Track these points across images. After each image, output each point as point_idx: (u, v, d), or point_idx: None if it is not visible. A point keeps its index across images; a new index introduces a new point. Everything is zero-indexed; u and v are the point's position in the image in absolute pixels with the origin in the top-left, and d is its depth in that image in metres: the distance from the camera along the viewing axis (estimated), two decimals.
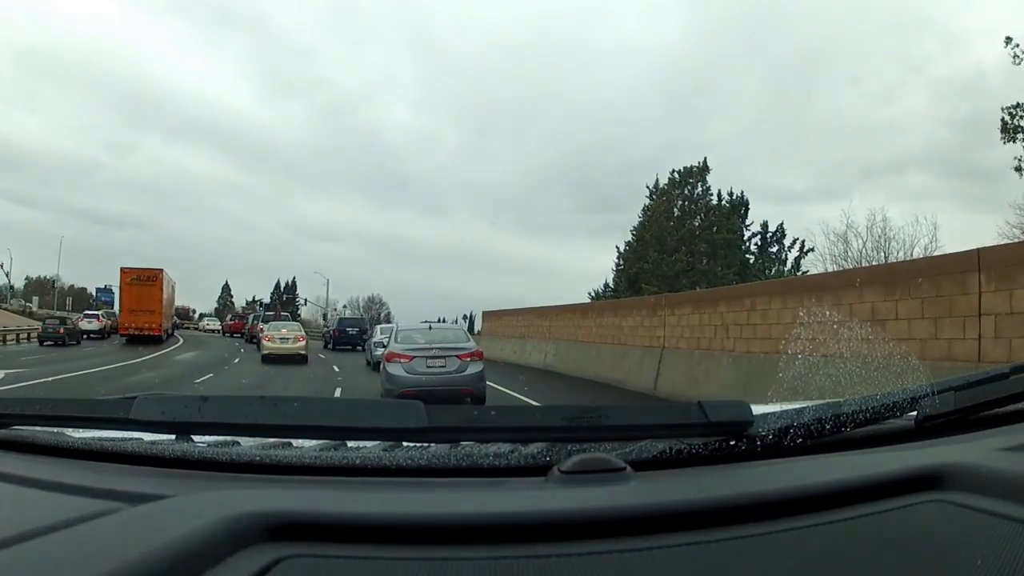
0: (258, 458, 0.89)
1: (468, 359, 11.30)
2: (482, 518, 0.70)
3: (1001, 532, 0.67)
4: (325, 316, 57.96)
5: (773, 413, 0.94)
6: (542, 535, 0.67)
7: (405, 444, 0.95)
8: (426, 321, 14.80)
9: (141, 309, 34.66)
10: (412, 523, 0.69)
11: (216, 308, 78.46)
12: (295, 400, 0.92)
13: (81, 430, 1.08)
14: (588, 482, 0.78)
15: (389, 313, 71.99)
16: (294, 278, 79.71)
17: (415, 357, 11.13)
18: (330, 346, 32.88)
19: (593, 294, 40.72)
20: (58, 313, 45.40)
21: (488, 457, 0.87)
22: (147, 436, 0.97)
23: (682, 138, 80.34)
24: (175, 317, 44.99)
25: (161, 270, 37.28)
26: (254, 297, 74.51)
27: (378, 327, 22.74)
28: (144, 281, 35.51)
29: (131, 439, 0.98)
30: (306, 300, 71.00)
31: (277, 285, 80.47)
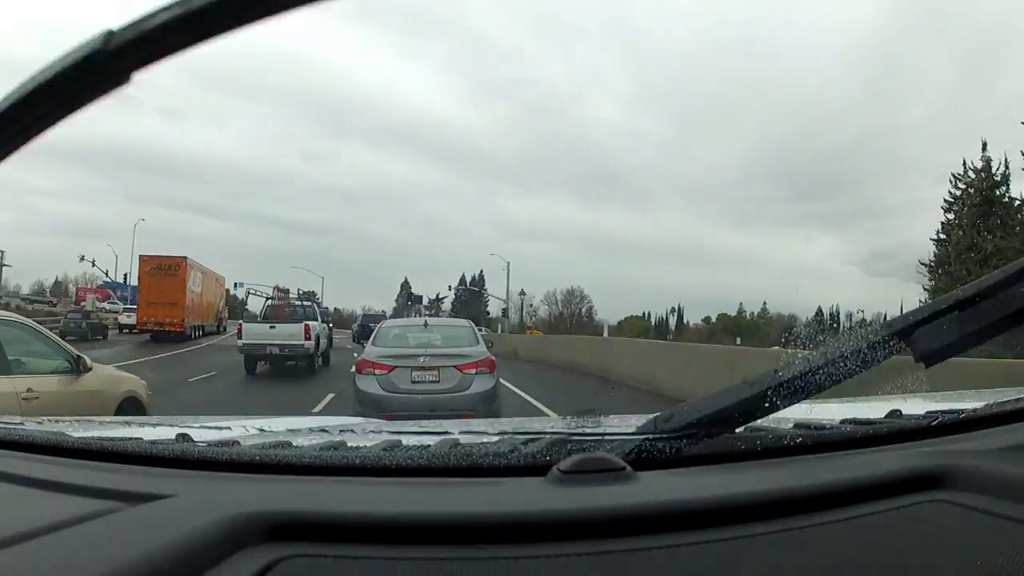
0: (258, 458, 0.89)
1: (473, 371, 7.74)
2: (481, 517, 0.70)
3: (1001, 532, 0.67)
4: (504, 311, 53.63)
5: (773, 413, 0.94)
6: (541, 535, 0.67)
7: (404, 444, 0.95)
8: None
9: (161, 302, 30.88)
10: (412, 522, 0.69)
11: (394, 308, 70.66)
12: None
13: (81, 430, 1.08)
14: (587, 482, 0.78)
15: (591, 307, 69.22)
16: (481, 271, 75.08)
17: (396, 367, 7.67)
18: (356, 341, 31.42)
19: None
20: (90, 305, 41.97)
21: (487, 456, 0.87)
22: (147, 436, 0.98)
23: (875, 122, 78.17)
24: (222, 314, 39.94)
25: (184, 258, 33.28)
26: (437, 295, 66.06)
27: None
28: (165, 271, 32.02)
29: (131, 438, 0.98)
30: (489, 294, 66.00)
31: (462, 279, 74.26)
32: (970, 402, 1.02)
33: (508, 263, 54.05)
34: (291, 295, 26.45)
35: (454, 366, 7.63)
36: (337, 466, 0.87)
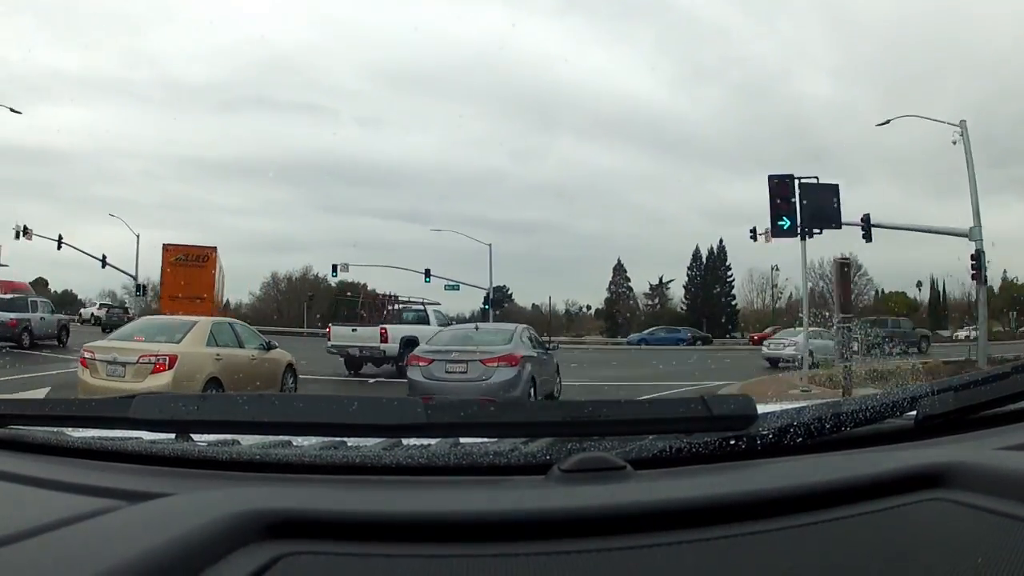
0: (258, 456, 0.89)
1: (495, 364, 9.86)
2: (482, 516, 0.70)
3: (1001, 530, 0.67)
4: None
5: (773, 412, 0.94)
6: (542, 533, 0.67)
7: (405, 443, 0.95)
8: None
9: (187, 296, 26.91)
10: (412, 521, 0.69)
11: (607, 299, 64.01)
12: (294, 398, 0.93)
13: (81, 429, 1.08)
14: (588, 481, 0.78)
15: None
16: (714, 247, 61.26)
17: (434, 360, 10.21)
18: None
19: None
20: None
21: (488, 456, 0.87)
22: (147, 435, 0.98)
23: None
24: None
25: (214, 248, 29.99)
26: (661, 278, 59.69)
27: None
28: (191, 261, 28.48)
29: (131, 438, 0.98)
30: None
31: (696, 255, 61.08)
32: (970, 402, 1.02)
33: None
34: (407, 299, 24.53)
35: (479, 360, 10.09)
36: (337, 465, 0.87)
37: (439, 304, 23.93)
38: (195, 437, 0.99)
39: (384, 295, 25.33)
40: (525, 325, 12.84)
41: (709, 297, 58.25)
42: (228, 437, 0.99)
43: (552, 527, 0.68)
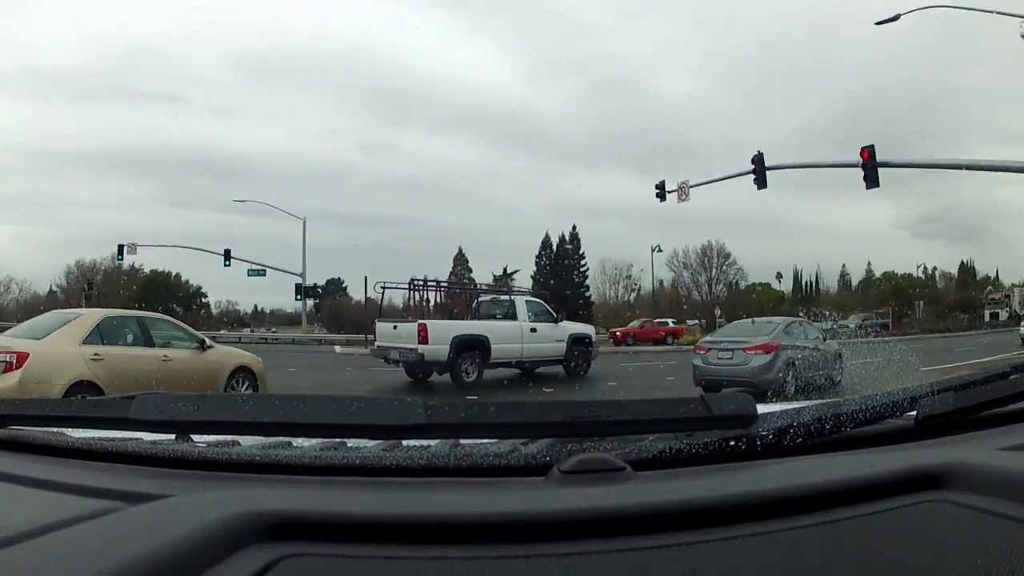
0: (258, 458, 0.89)
1: (753, 352, 11.38)
2: (482, 518, 0.70)
3: (1001, 531, 0.67)
4: None
5: (773, 412, 0.94)
6: (542, 535, 0.67)
7: (405, 444, 0.95)
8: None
9: None
10: (412, 522, 0.69)
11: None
12: (294, 398, 0.93)
13: (81, 430, 1.08)
14: (588, 482, 0.78)
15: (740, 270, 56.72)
16: (563, 236, 55.73)
17: (710, 349, 12.11)
18: None
19: None
20: None
21: (488, 457, 0.87)
22: (147, 436, 0.98)
23: (937, 86, 77.55)
24: None
25: None
26: (505, 269, 51.33)
27: None
28: None
29: (131, 439, 0.98)
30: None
31: (546, 243, 55.67)
32: (970, 402, 1.02)
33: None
34: (489, 286, 19.33)
35: (741, 348, 11.77)
36: (337, 466, 0.87)
37: (528, 295, 17.72)
38: (195, 438, 0.99)
39: (465, 282, 19.58)
40: (798, 319, 13.96)
41: (560, 287, 49.90)
42: (228, 438, 0.99)
43: (552, 528, 0.68)
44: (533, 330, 14.90)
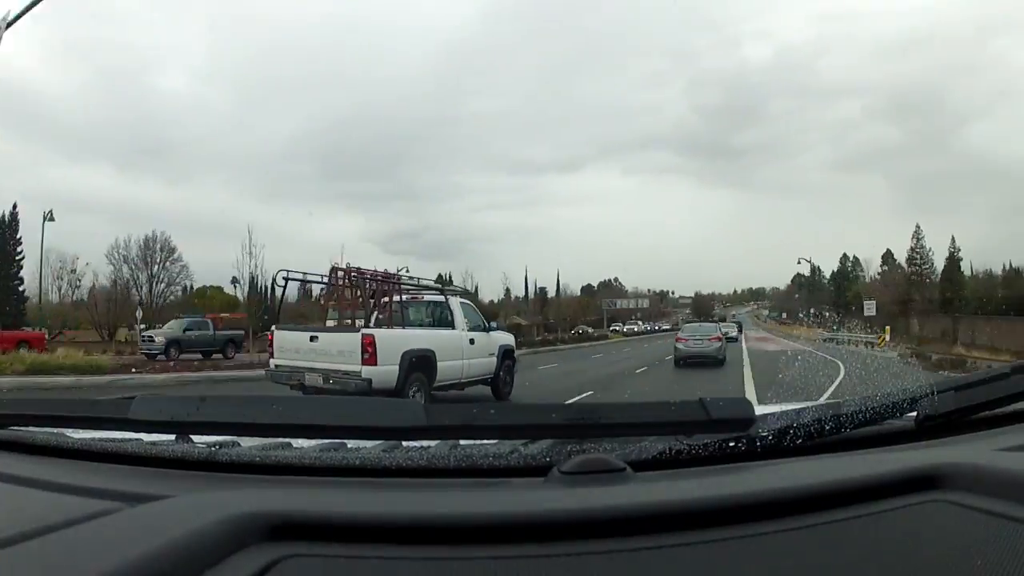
0: (258, 458, 0.89)
1: (713, 340, 22.50)
2: (482, 518, 0.70)
3: (1001, 532, 0.67)
4: None
5: (773, 413, 0.94)
6: (542, 535, 0.67)
7: (405, 445, 0.95)
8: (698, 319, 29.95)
9: None
10: (412, 523, 0.69)
11: None
12: (294, 399, 0.93)
13: (80, 431, 1.08)
14: (588, 483, 0.78)
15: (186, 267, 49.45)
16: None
17: (688, 339, 22.94)
18: None
19: None
20: None
21: (488, 458, 0.87)
22: (147, 436, 0.98)
23: (443, 112, 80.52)
24: None
25: None
26: None
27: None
28: None
29: (131, 439, 0.98)
30: None
31: None
32: (970, 402, 1.02)
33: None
34: (413, 281, 12.81)
35: (708, 338, 23.56)
36: (337, 467, 0.87)
37: (459, 293, 12.92)
38: (195, 438, 0.99)
39: (380, 273, 11.50)
40: (714, 321, 30.73)
41: None
42: (228, 439, 0.99)
43: (552, 529, 0.68)
44: (472, 341, 11.12)
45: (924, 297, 57.02)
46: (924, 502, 0.74)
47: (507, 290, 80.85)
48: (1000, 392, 1.02)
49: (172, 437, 0.98)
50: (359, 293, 10.66)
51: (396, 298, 10.86)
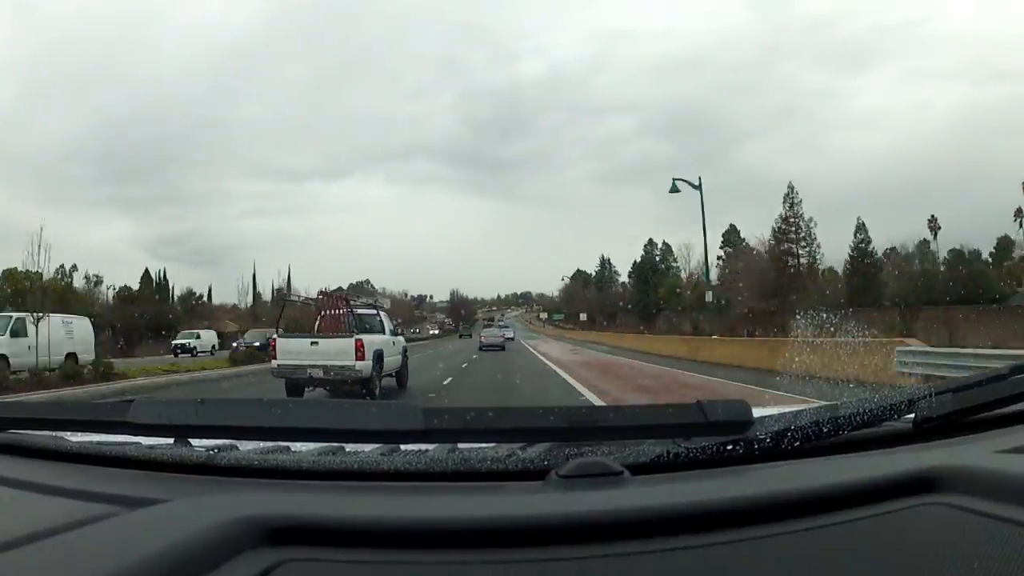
0: (256, 462, 0.89)
1: (500, 338, 40.40)
2: (480, 522, 0.70)
3: (999, 534, 0.67)
4: None
5: (770, 416, 0.94)
6: (539, 539, 0.67)
7: (403, 448, 0.95)
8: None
9: None
10: (410, 527, 0.69)
11: None
12: (291, 402, 0.93)
13: (79, 434, 1.08)
14: (585, 486, 0.78)
15: None
16: None
17: (490, 326, 49.35)
18: None
19: None
20: None
21: (486, 462, 0.87)
22: (145, 440, 0.98)
23: (211, 116, 79.67)
24: None
25: None
26: None
27: None
28: None
29: (129, 443, 0.98)
30: None
31: None
32: (968, 404, 1.02)
33: None
34: (359, 300, 18.59)
35: (504, 335, 46.80)
36: (335, 471, 0.87)
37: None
38: (193, 442, 0.99)
39: (333, 292, 17.76)
40: (506, 328, 41.29)
41: None
42: (226, 442, 0.98)
43: (550, 533, 0.68)
44: (393, 343, 15.36)
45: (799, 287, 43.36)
46: (922, 505, 0.74)
47: (258, 294, 73.49)
48: (998, 394, 1.02)
49: (171, 441, 0.98)
50: (340, 311, 14.55)
51: (360, 312, 15.17)
